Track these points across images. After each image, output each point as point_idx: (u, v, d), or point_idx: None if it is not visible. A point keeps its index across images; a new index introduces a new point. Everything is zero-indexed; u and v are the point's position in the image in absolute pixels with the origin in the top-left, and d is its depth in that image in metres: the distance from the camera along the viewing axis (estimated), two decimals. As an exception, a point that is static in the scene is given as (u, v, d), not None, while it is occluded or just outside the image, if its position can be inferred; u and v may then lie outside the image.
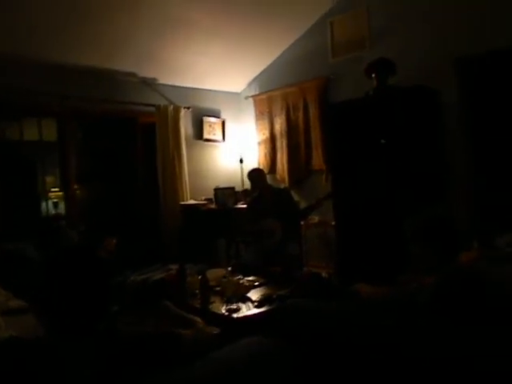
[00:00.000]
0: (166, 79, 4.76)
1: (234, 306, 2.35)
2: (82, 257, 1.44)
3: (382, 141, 3.60)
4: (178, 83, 4.89)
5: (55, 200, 4.50)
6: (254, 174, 3.91)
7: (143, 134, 4.79)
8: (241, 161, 5.15)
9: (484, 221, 3.34)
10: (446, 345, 1.31)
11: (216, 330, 1.64)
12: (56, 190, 4.46)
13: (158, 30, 3.93)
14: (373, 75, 3.75)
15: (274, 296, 2.50)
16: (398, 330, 1.44)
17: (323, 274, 3.36)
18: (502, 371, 1.20)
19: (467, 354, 1.25)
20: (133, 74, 4.49)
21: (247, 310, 2.37)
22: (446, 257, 1.57)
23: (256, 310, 2.37)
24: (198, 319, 1.68)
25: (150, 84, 4.70)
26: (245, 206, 4.52)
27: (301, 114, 4.80)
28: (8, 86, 3.63)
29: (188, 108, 4.96)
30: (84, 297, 1.36)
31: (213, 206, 4.73)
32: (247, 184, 5.05)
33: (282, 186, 4.80)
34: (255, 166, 5.20)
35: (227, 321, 2.26)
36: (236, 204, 4.77)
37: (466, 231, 2.03)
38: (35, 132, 4.19)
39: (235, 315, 2.30)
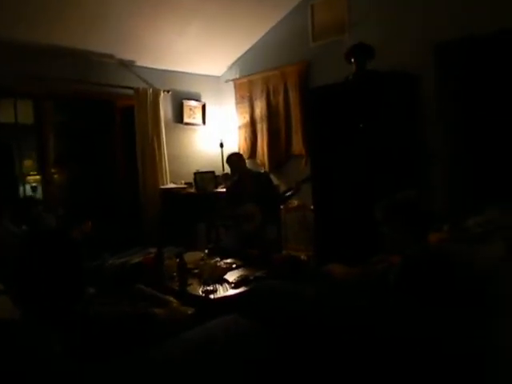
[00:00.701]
0: (144, 61, 4.69)
1: (210, 288, 2.38)
2: (54, 239, 1.44)
3: (361, 125, 3.64)
4: (157, 66, 4.82)
5: (34, 184, 4.43)
6: (234, 159, 3.91)
7: (122, 117, 4.72)
8: (221, 145, 5.14)
9: (457, 205, 3.43)
10: (413, 325, 1.34)
11: (191, 310, 1.67)
12: (34, 173, 4.38)
13: (136, 10, 3.84)
14: (352, 60, 3.77)
15: (251, 277, 2.54)
16: (368, 310, 1.49)
17: (302, 257, 3.42)
18: (468, 353, 1.24)
19: (434, 335, 1.29)
20: (110, 56, 4.40)
21: (224, 291, 2.41)
22: (416, 238, 1.62)
23: (233, 291, 2.41)
24: (173, 299, 1.70)
25: (127, 66, 4.62)
26: (225, 190, 4.52)
27: (281, 99, 4.80)
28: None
29: (168, 91, 4.90)
30: (58, 279, 1.36)
31: (192, 190, 4.73)
32: (227, 168, 5.06)
33: (262, 170, 4.82)
34: (235, 150, 5.20)
35: (204, 302, 2.30)
36: (216, 188, 4.78)
37: (439, 214, 2.09)
38: (11, 114, 4.09)
39: (212, 296, 2.34)
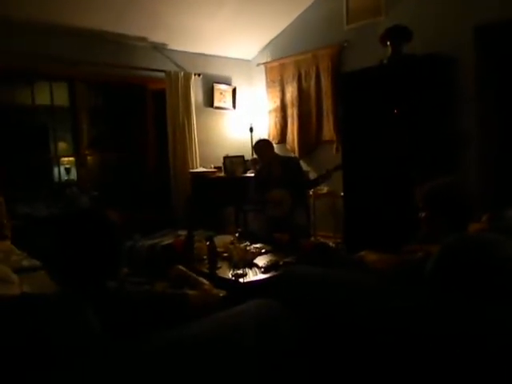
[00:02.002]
0: (176, 45, 4.68)
1: (240, 271, 2.39)
2: (92, 218, 1.46)
3: (395, 111, 3.54)
4: (188, 49, 4.81)
5: (67, 166, 4.54)
6: (261, 145, 3.83)
7: (153, 101, 4.76)
8: (251, 129, 5.11)
9: (498, 195, 3.31)
10: (452, 320, 1.30)
11: (223, 293, 1.67)
12: (68, 155, 4.50)
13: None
14: (388, 43, 3.65)
15: (281, 263, 2.53)
16: (404, 302, 1.45)
17: (330, 244, 3.38)
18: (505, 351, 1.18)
19: (475, 331, 1.24)
20: (143, 39, 4.42)
21: (253, 276, 2.41)
22: (456, 225, 1.57)
23: (262, 276, 2.41)
24: (206, 281, 1.71)
25: (160, 49, 4.63)
26: (253, 175, 4.51)
27: (313, 83, 4.71)
28: (19, 51, 3.64)
29: (199, 75, 4.89)
30: (94, 257, 1.39)
31: (222, 174, 4.74)
32: (257, 153, 5.05)
33: (292, 155, 4.77)
34: (265, 135, 5.17)
35: (234, 285, 2.31)
36: (245, 173, 4.77)
37: (478, 204, 2.01)
38: (47, 96, 4.19)
39: (241, 280, 2.34)
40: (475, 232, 1.67)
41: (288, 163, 3.80)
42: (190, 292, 1.51)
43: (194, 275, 1.81)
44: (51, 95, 4.17)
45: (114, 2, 3.77)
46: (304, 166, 4.36)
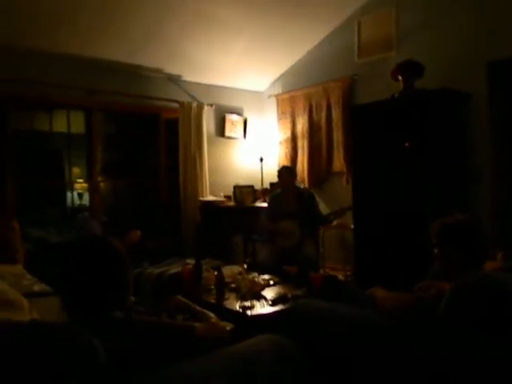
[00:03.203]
0: (190, 76, 4.81)
1: (248, 303, 2.36)
2: (101, 247, 1.46)
3: (406, 144, 3.55)
4: (202, 80, 4.94)
5: (80, 191, 4.60)
6: (285, 170, 3.93)
7: (166, 130, 4.85)
8: (261, 159, 5.15)
9: (507, 230, 3.26)
10: (465, 360, 1.27)
11: (230, 326, 1.65)
12: (81, 181, 4.57)
13: (186, 27, 3.97)
14: (399, 77, 3.70)
15: (289, 295, 2.50)
16: (417, 341, 1.42)
17: (340, 277, 3.34)
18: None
19: (489, 372, 1.21)
20: (159, 70, 4.55)
21: (261, 308, 2.37)
22: (471, 263, 1.54)
23: (270, 309, 2.37)
24: (212, 314, 1.69)
25: (174, 80, 4.76)
26: (263, 204, 4.52)
27: (324, 115, 4.77)
28: (39, 79, 3.77)
29: (211, 105, 4.99)
30: (101, 286, 1.38)
31: (231, 203, 4.75)
32: (266, 183, 5.08)
33: (302, 186, 4.78)
34: (275, 165, 5.21)
35: (241, 317, 2.28)
36: (254, 202, 4.78)
37: (491, 240, 1.98)
38: (64, 123, 4.30)
39: (249, 312, 2.31)
40: (491, 271, 1.64)
41: (304, 195, 3.84)
42: (197, 324, 1.49)
43: (197, 307, 1.79)
44: (68, 122, 4.28)
45: (132, 35, 3.91)
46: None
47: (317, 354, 1.65)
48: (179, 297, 1.81)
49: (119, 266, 1.45)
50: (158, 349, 1.33)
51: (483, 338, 1.29)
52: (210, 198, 4.78)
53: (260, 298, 2.49)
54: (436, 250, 1.74)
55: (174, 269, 3.30)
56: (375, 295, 1.78)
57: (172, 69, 4.61)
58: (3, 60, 3.61)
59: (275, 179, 5.06)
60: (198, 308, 1.74)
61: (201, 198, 4.74)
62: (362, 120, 3.96)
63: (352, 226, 4.09)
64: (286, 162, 5.16)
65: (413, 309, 1.59)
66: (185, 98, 4.80)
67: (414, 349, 1.45)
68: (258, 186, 5.03)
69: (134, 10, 3.59)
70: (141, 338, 1.37)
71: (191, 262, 3.23)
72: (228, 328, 1.62)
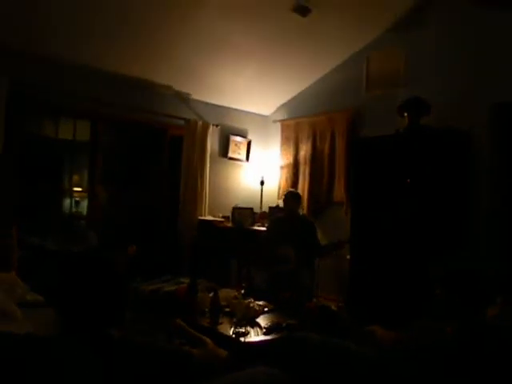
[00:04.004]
0: (199, 95, 4.87)
1: (242, 330, 2.33)
2: (100, 262, 1.45)
3: (408, 180, 3.58)
4: (210, 100, 4.99)
5: (77, 199, 4.59)
6: (292, 195, 3.91)
7: (170, 146, 4.87)
8: (262, 183, 5.17)
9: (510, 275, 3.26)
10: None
11: (225, 353, 1.62)
12: (79, 189, 4.55)
13: (199, 48, 4.04)
14: (405, 114, 3.76)
15: (284, 324, 2.47)
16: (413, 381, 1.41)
17: (332, 307, 3.31)
18: None
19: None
20: (168, 87, 4.60)
21: (255, 336, 2.35)
22: (473, 308, 1.54)
23: (264, 337, 2.34)
24: (209, 340, 1.66)
25: (183, 98, 4.81)
26: (262, 228, 4.52)
27: (327, 144, 4.82)
28: (49, 87, 3.80)
29: (217, 125, 5.04)
30: (98, 303, 1.37)
31: (229, 224, 4.74)
32: (265, 206, 5.08)
33: (301, 212, 4.78)
34: (275, 189, 5.24)
35: (234, 344, 2.24)
36: (253, 225, 4.77)
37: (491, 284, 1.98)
38: (69, 131, 4.31)
39: (243, 339, 2.28)
40: (492, 317, 1.64)
41: (304, 223, 3.84)
42: (194, 350, 1.47)
43: (195, 332, 1.77)
44: (74, 132, 4.29)
45: (146, 51, 3.97)
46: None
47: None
48: (179, 320, 1.78)
49: (118, 283, 1.44)
50: (155, 372, 1.31)
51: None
52: (209, 217, 4.77)
53: (254, 325, 2.46)
54: (437, 292, 1.74)
55: (168, 287, 3.26)
56: (375, 333, 1.77)
57: (182, 86, 4.66)
58: (18, 65, 3.64)
59: (275, 203, 5.13)
60: (196, 333, 1.71)
61: (199, 217, 4.72)
62: (365, 153, 4.01)
63: (348, 257, 4.09)
64: (287, 187, 5.17)
65: (413, 349, 1.57)
66: (191, 116, 4.85)
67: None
68: (256, 209, 5.04)
69: (147, 26, 3.65)
70: (138, 359, 1.35)
71: (185, 281, 3.20)
72: (224, 355, 1.60)
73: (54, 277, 1.58)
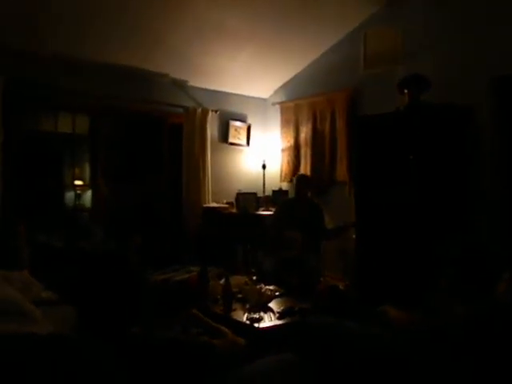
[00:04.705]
0: (196, 82, 4.81)
1: (256, 316, 2.36)
2: (116, 266, 1.47)
3: (411, 157, 3.58)
4: (207, 86, 4.94)
5: (78, 191, 4.59)
6: (303, 179, 3.98)
7: (170, 135, 4.84)
8: (263, 166, 5.16)
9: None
10: None
11: (244, 342, 1.66)
12: (80, 182, 4.55)
13: (194, 35, 3.98)
14: (405, 91, 3.73)
15: (296, 309, 2.50)
16: (427, 363, 1.43)
17: (340, 287, 3.35)
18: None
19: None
20: (165, 75, 4.55)
21: (269, 321, 2.38)
22: (482, 286, 1.57)
23: (278, 322, 2.37)
24: (227, 330, 1.70)
25: (180, 85, 4.75)
26: (267, 213, 4.53)
27: (327, 124, 4.79)
28: (47, 82, 3.76)
29: (216, 111, 5.00)
30: (116, 303, 1.39)
31: (234, 210, 4.75)
32: (269, 190, 5.09)
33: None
34: (277, 173, 5.23)
35: (249, 330, 2.28)
36: (257, 210, 4.78)
37: (497, 260, 2.00)
38: (68, 125, 4.28)
39: (257, 325, 2.31)
40: (501, 293, 1.67)
41: (313, 207, 3.87)
42: (215, 341, 1.50)
43: (212, 322, 1.79)
44: (73, 124, 4.26)
45: (140, 39, 3.91)
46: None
47: (326, 370, 1.66)
48: (195, 310, 1.81)
49: (136, 281, 1.46)
50: (179, 367, 1.33)
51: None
52: (213, 204, 4.77)
53: (267, 310, 2.49)
54: (445, 271, 1.76)
55: (178, 276, 3.28)
56: (387, 314, 1.79)
57: (179, 74, 4.60)
58: (18, 62, 3.60)
59: (277, 186, 5.13)
60: (213, 323, 1.74)
61: (204, 205, 4.72)
62: (366, 131, 3.98)
63: (353, 236, 4.11)
64: (288, 170, 5.18)
65: (426, 329, 1.60)
66: (190, 104, 4.80)
67: (427, 367, 1.47)
68: (260, 193, 5.04)
69: (143, 16, 3.59)
70: (161, 355, 1.38)
71: (195, 269, 3.22)
72: (243, 343, 1.63)
73: (71, 276, 1.59)
